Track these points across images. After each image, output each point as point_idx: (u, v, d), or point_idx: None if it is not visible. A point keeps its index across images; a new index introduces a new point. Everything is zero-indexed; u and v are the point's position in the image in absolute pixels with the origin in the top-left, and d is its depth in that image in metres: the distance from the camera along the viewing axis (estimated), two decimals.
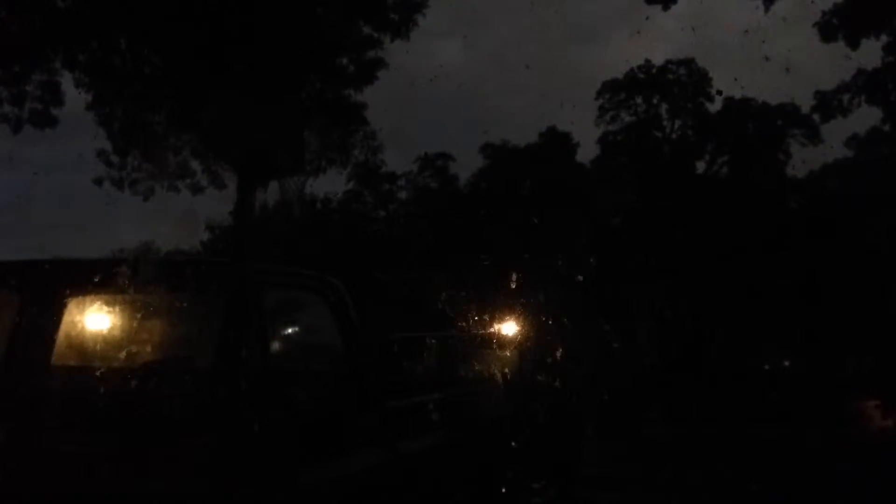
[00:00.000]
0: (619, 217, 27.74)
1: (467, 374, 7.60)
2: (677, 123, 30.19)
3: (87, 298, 3.58)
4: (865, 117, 20.99)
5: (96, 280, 3.50)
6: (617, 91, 30.31)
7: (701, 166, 30.25)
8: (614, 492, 7.81)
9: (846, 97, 20.07)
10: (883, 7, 17.60)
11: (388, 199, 33.49)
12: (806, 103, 23.69)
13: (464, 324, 8.02)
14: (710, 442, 11.03)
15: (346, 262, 22.39)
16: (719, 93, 28.94)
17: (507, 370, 7.32)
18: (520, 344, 8.18)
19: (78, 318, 3.56)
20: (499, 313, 8.19)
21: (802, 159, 28.30)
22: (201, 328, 3.76)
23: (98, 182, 17.15)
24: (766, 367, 23.03)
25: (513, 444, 5.94)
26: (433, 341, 7.81)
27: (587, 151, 31.02)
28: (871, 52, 18.64)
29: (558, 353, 7.85)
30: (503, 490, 5.63)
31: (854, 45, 18.08)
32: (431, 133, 49.59)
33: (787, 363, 23.62)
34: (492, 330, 8.04)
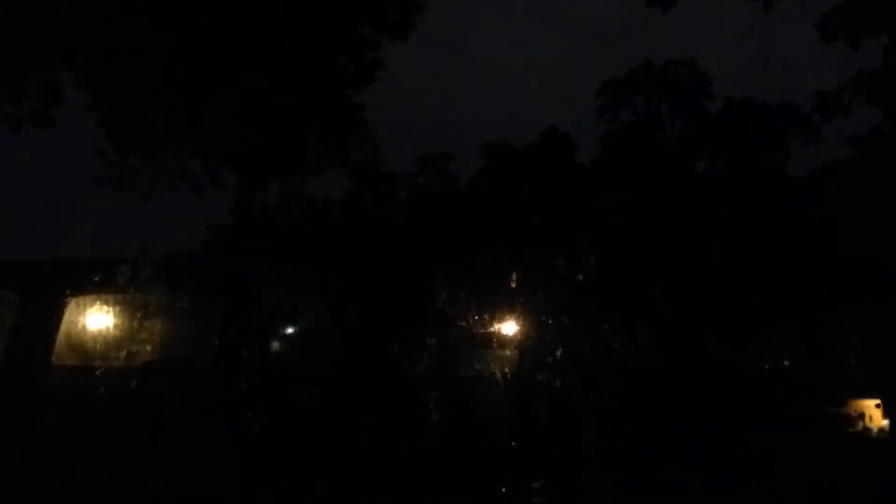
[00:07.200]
0: (619, 217, 27.73)
1: (467, 373, 7.60)
2: (677, 123, 30.21)
3: (87, 298, 3.58)
4: (866, 117, 20.96)
5: (96, 280, 3.50)
6: (617, 91, 30.32)
7: (701, 166, 30.28)
8: (614, 492, 7.80)
9: (846, 97, 20.04)
10: (883, 7, 17.58)
11: (388, 199, 33.49)
12: (806, 103, 23.67)
13: (464, 323, 8.02)
14: (710, 442, 11.00)
15: (346, 262, 22.40)
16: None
17: (507, 369, 7.32)
18: (520, 343, 8.18)
19: (78, 317, 3.56)
20: (499, 313, 8.20)
21: (802, 159, 28.34)
22: (201, 328, 3.77)
23: (98, 182, 17.11)
24: (766, 366, 23.00)
25: (513, 444, 5.94)
26: (433, 341, 7.80)
27: (587, 151, 31.04)
28: (871, 53, 18.63)
29: (558, 353, 7.85)
30: (503, 490, 5.63)
31: (854, 45, 18.06)
32: (432, 132, 49.64)
33: (787, 363, 23.59)
34: (492, 329, 8.04)
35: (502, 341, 8.05)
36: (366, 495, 4.06)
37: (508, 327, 8.25)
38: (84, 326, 3.57)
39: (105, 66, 15.34)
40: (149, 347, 3.58)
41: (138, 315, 3.61)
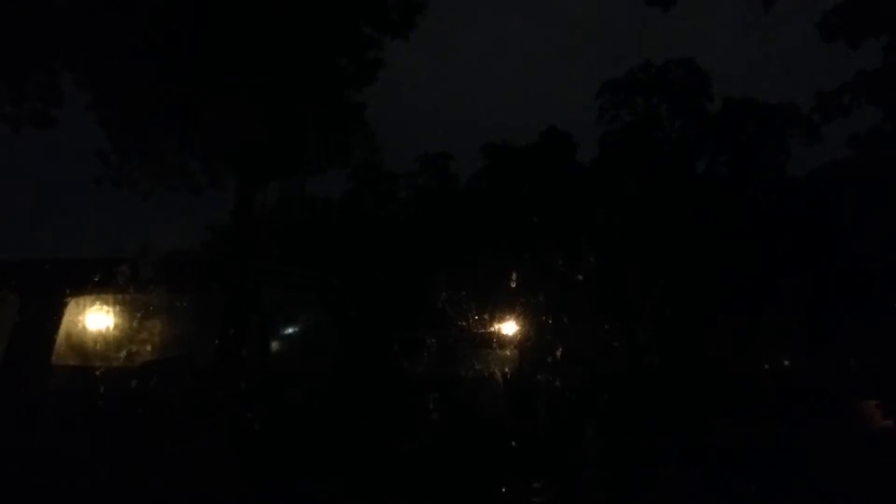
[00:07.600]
0: (619, 217, 27.74)
1: (467, 373, 7.60)
2: (677, 123, 30.21)
3: (87, 298, 3.58)
4: (866, 117, 20.96)
5: (96, 280, 3.50)
6: (617, 91, 30.32)
7: (701, 166, 30.29)
8: (614, 492, 7.81)
9: (846, 97, 20.03)
10: (883, 7, 17.58)
11: (388, 199, 33.50)
12: (806, 103, 23.68)
13: (464, 323, 8.03)
14: (710, 442, 11.01)
15: (346, 262, 22.41)
16: None
17: (507, 369, 7.32)
18: (520, 343, 8.18)
19: (78, 317, 3.56)
20: (499, 313, 8.20)
21: (802, 159, 28.36)
22: (201, 328, 3.77)
23: (98, 182, 17.10)
24: (767, 366, 23.02)
25: (513, 443, 5.94)
26: (433, 341, 7.80)
27: (587, 151, 31.06)
28: (871, 53, 18.64)
29: (558, 353, 7.85)
30: (503, 490, 5.63)
31: (854, 45, 18.07)
32: (432, 132, 49.66)
33: (787, 363, 23.61)
34: (492, 329, 8.05)
35: (502, 341, 8.05)
36: (366, 495, 4.06)
37: (508, 327, 8.26)
38: (84, 326, 3.57)
39: (105, 66, 15.33)
40: (149, 347, 3.58)
41: (138, 315, 3.61)
